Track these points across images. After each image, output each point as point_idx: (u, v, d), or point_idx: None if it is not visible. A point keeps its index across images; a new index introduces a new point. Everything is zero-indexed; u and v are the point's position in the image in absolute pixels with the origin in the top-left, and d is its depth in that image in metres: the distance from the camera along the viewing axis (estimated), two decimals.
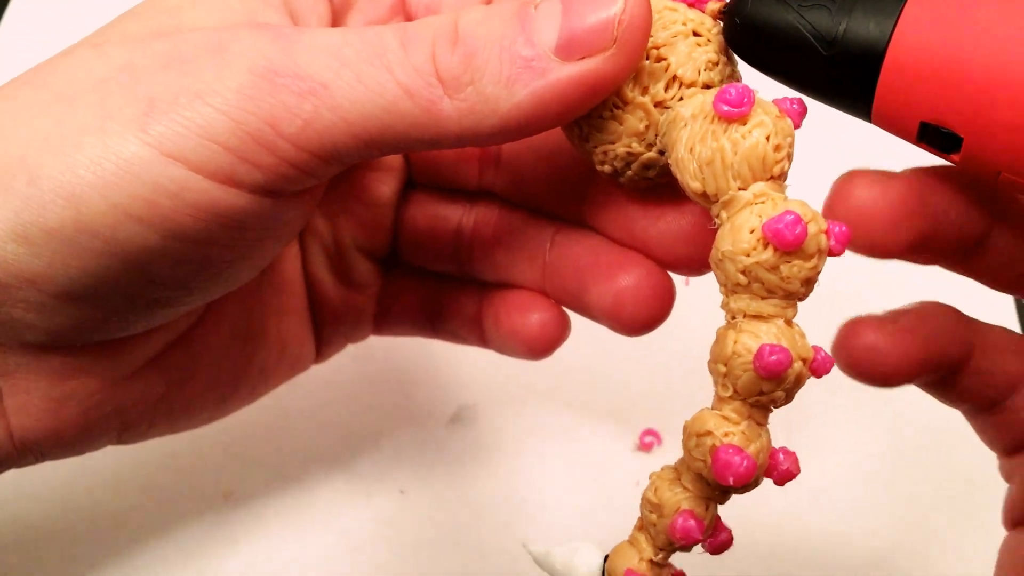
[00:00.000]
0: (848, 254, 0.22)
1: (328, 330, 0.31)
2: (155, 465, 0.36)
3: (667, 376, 0.39)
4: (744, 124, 0.20)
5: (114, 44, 0.22)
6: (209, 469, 0.36)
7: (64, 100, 0.21)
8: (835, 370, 0.39)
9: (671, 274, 0.27)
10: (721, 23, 0.23)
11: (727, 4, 0.22)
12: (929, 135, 0.20)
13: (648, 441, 0.38)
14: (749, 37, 0.21)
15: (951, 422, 0.39)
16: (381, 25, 0.22)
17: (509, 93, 0.21)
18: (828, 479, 0.37)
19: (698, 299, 0.42)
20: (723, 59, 0.23)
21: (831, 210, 0.21)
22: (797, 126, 0.21)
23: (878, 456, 0.38)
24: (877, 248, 0.21)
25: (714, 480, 0.21)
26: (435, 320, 0.31)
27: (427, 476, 0.37)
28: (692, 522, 0.22)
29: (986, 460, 0.38)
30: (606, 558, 0.24)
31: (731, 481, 0.21)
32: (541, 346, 0.29)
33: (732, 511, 0.36)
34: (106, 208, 0.20)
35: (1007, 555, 0.25)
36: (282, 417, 0.38)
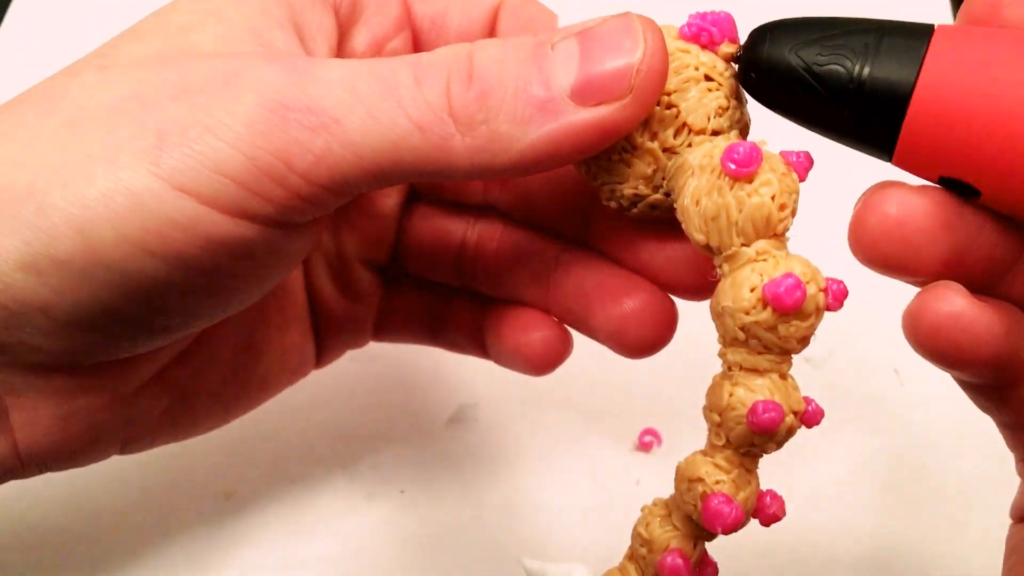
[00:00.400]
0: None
1: (329, 338, 0.31)
2: (156, 465, 0.36)
3: (667, 376, 0.39)
4: (750, 182, 0.21)
5: (121, 68, 0.22)
6: (210, 469, 0.36)
7: (73, 128, 0.21)
8: (836, 369, 0.40)
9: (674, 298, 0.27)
10: (734, 65, 0.23)
11: (741, 47, 0.22)
12: (948, 184, 0.20)
13: (647, 441, 0.38)
14: (765, 81, 0.21)
15: (951, 422, 0.39)
16: (395, 58, 0.22)
17: (522, 133, 0.21)
18: (828, 479, 0.37)
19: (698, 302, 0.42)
20: (733, 103, 0.23)
21: (860, 222, 0.21)
22: (803, 179, 0.22)
23: (878, 456, 0.38)
24: (908, 265, 0.20)
25: (703, 525, 0.22)
26: (435, 330, 0.31)
27: (427, 476, 0.37)
28: (680, 561, 0.22)
29: (986, 460, 0.38)
30: None
31: (720, 530, 0.21)
32: (544, 364, 0.29)
33: None
34: (116, 240, 0.20)
35: (1010, 544, 0.25)
36: (282, 417, 0.38)
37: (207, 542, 0.35)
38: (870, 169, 0.23)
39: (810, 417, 0.22)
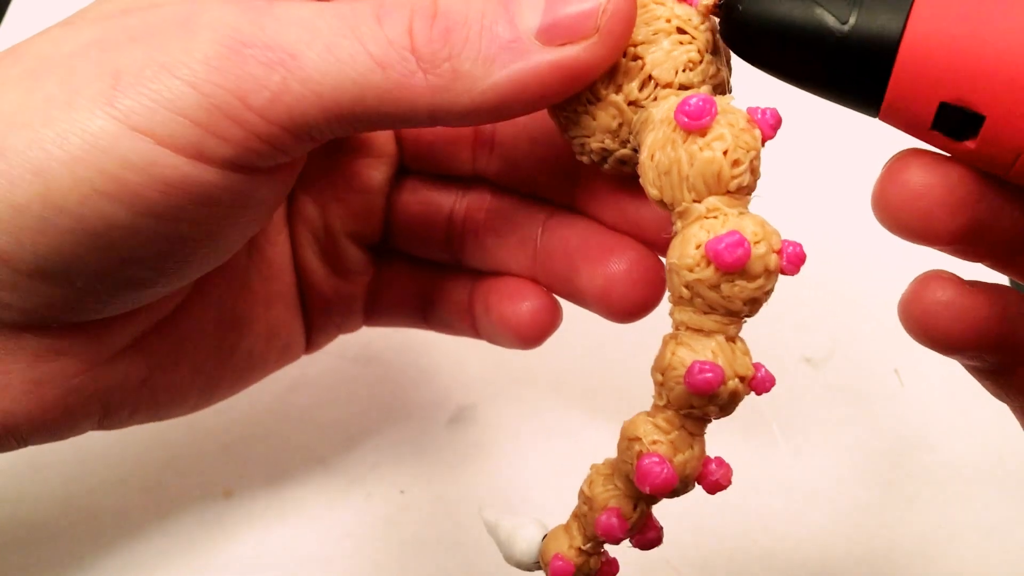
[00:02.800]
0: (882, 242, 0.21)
1: (318, 319, 0.31)
2: (156, 465, 0.36)
3: None
4: (703, 136, 0.20)
5: (87, 21, 0.22)
6: (209, 468, 0.37)
7: (32, 75, 0.20)
8: (836, 369, 0.40)
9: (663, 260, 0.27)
10: (712, 19, 0.22)
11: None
12: (944, 120, 0.19)
13: None
14: (749, 30, 0.20)
15: (951, 422, 0.39)
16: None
17: (486, 73, 0.20)
18: (828, 479, 0.37)
19: None
20: (707, 58, 0.22)
21: (882, 191, 0.20)
22: (768, 137, 0.21)
23: (878, 456, 0.38)
24: (928, 234, 0.20)
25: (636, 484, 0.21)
26: (426, 309, 0.31)
27: (427, 476, 0.37)
28: (615, 520, 0.22)
29: (986, 460, 0.38)
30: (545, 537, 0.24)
31: (648, 489, 0.21)
32: (531, 334, 0.28)
33: (732, 511, 0.36)
34: (73, 183, 0.19)
35: None
36: (282, 417, 0.38)
37: (207, 541, 0.35)
38: (891, 139, 0.22)
39: (759, 384, 0.21)
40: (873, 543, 0.36)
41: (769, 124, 0.21)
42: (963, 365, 0.23)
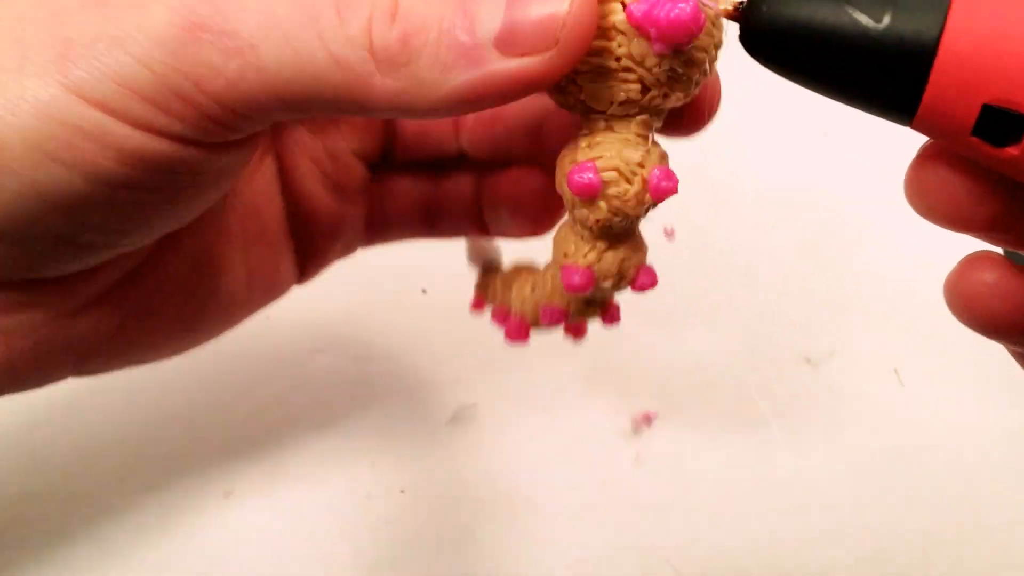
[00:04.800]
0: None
1: (319, 245, 0.31)
2: (156, 464, 0.36)
3: (668, 377, 0.39)
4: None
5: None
6: (209, 468, 0.37)
7: None
8: (836, 369, 0.40)
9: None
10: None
11: (741, 3, 0.20)
12: (986, 125, 0.18)
13: (644, 417, 0.38)
14: (774, 34, 0.19)
15: (951, 422, 0.39)
16: None
17: (443, 79, 0.20)
18: (828, 479, 0.37)
19: (694, 299, 0.42)
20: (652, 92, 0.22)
21: (914, 179, 0.21)
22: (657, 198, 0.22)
23: (878, 456, 0.38)
24: (959, 224, 0.20)
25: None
26: (431, 216, 0.31)
27: (427, 476, 0.37)
28: (577, 278, 0.24)
29: (985, 460, 0.38)
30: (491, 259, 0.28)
31: (570, 288, 0.23)
32: (540, 217, 0.29)
33: (732, 511, 0.36)
34: (25, 148, 0.19)
35: None
36: (282, 417, 0.38)
37: (208, 541, 0.35)
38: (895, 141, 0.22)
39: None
40: (873, 543, 0.36)
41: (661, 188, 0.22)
42: (1009, 351, 0.23)
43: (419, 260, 0.43)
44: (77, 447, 0.37)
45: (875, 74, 0.19)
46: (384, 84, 0.20)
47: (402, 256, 0.44)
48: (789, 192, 0.45)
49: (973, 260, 0.21)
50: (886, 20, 0.18)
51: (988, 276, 0.20)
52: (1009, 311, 0.20)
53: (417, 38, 0.20)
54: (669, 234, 0.36)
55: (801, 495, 0.36)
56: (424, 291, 0.42)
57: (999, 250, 0.22)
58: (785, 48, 0.19)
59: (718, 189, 0.44)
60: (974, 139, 0.18)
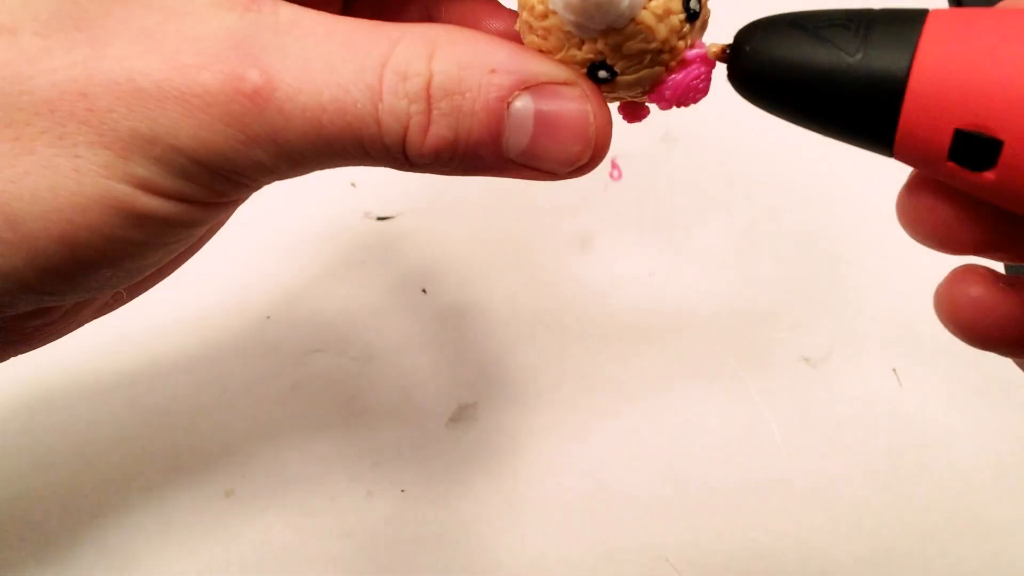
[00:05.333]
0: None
1: None
2: (157, 465, 0.37)
3: (668, 377, 0.39)
4: None
5: (28, 34, 0.20)
6: (210, 468, 0.37)
7: (28, 122, 0.20)
8: (835, 369, 0.40)
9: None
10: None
11: (728, 46, 0.21)
12: (961, 150, 0.19)
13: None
14: (757, 72, 0.20)
15: (950, 422, 0.39)
16: (371, 38, 0.21)
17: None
18: (827, 479, 0.37)
19: (692, 299, 0.42)
20: None
21: (899, 206, 0.21)
22: None
23: (877, 456, 0.38)
24: (947, 246, 0.21)
25: None
26: None
27: (427, 476, 0.37)
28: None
29: (985, 460, 0.38)
30: None
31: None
32: None
33: (732, 511, 0.36)
34: (90, 238, 0.20)
35: None
36: (282, 417, 0.38)
37: (208, 541, 0.35)
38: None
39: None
40: (873, 543, 0.36)
41: None
42: (1016, 363, 0.23)
43: (419, 260, 0.43)
44: (77, 447, 0.37)
45: (851, 107, 0.20)
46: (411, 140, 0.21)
47: (402, 256, 0.44)
48: (789, 192, 0.45)
49: (959, 274, 0.21)
50: (859, 55, 0.19)
51: (973, 291, 0.21)
52: (995, 325, 0.21)
53: (447, 153, 0.21)
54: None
55: (801, 495, 0.36)
56: (424, 291, 0.42)
57: (993, 262, 0.22)
58: (767, 86, 0.20)
59: (718, 188, 0.44)
60: (951, 165, 0.19)
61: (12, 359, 0.25)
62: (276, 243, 0.43)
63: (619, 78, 0.22)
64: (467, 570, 0.35)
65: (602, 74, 0.22)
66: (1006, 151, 0.18)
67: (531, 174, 0.22)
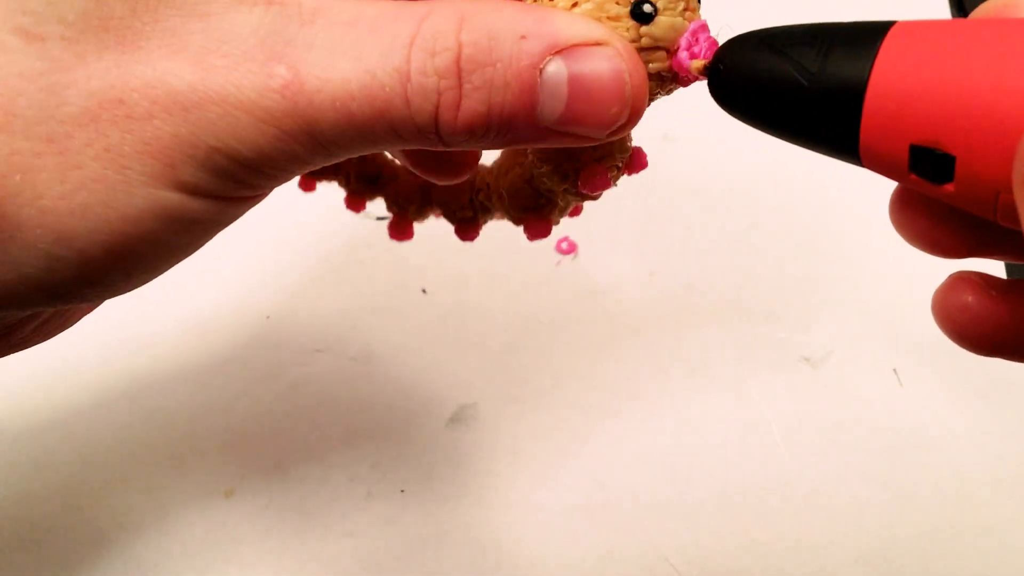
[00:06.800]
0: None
1: None
2: (157, 465, 0.37)
3: (666, 378, 0.39)
4: None
5: (57, 39, 0.20)
6: (210, 468, 0.37)
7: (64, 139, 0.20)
8: (835, 369, 0.40)
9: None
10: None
11: (714, 57, 0.22)
12: (921, 163, 0.19)
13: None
14: (732, 87, 0.21)
15: (950, 422, 0.39)
16: (398, 32, 0.21)
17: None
18: (827, 479, 0.37)
19: (692, 299, 0.42)
20: None
21: (891, 212, 0.22)
22: None
23: (877, 456, 0.38)
24: (938, 250, 0.21)
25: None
26: None
27: (427, 476, 0.37)
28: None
29: (985, 460, 0.38)
30: None
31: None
32: None
33: (732, 511, 0.36)
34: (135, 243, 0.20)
35: None
36: (282, 417, 0.38)
37: (209, 541, 0.35)
38: None
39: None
40: (873, 543, 0.36)
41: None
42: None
43: (419, 260, 0.43)
44: (78, 447, 0.37)
45: (816, 119, 0.20)
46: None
47: (402, 256, 0.44)
48: (789, 191, 0.45)
49: (953, 282, 0.22)
50: (819, 68, 0.20)
51: (967, 298, 0.21)
52: (989, 332, 0.21)
53: (480, 124, 0.21)
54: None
55: (801, 495, 0.36)
56: (424, 291, 0.42)
57: (993, 265, 0.22)
58: (741, 99, 0.21)
59: (718, 188, 0.44)
60: (914, 177, 0.19)
61: (12, 359, 0.25)
62: (276, 243, 0.43)
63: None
64: (467, 570, 0.35)
65: (647, 8, 0.22)
66: (959, 165, 0.19)
67: (569, 139, 0.21)
